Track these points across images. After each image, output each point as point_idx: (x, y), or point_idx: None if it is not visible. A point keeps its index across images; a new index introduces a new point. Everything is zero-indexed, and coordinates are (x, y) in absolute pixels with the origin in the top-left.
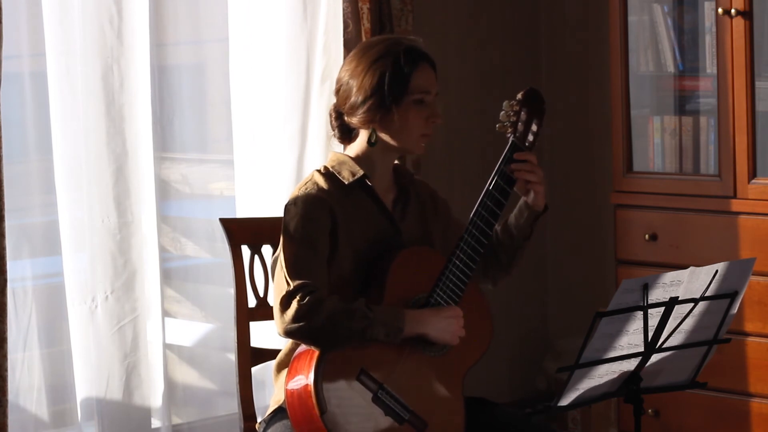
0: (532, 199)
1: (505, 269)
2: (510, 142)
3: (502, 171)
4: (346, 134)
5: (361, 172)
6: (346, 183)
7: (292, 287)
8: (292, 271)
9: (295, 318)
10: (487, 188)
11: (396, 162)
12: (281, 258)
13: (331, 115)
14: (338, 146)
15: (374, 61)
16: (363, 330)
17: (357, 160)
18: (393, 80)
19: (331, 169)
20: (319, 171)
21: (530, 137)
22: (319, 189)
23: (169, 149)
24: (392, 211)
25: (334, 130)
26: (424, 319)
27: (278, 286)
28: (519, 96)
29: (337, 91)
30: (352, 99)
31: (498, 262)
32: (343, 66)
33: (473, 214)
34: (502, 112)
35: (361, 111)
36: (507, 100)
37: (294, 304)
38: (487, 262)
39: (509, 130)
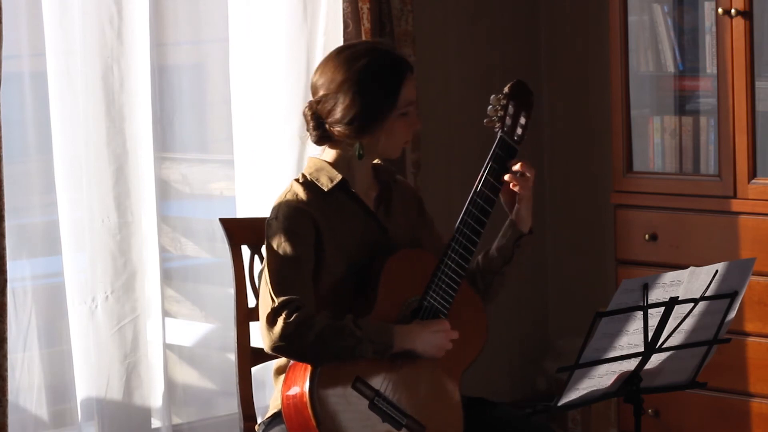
0: (517, 213)
1: (481, 297)
2: (498, 137)
3: (491, 167)
4: (325, 139)
5: (339, 177)
6: (326, 190)
7: (277, 304)
8: (277, 288)
9: (282, 336)
10: (477, 186)
11: (375, 162)
12: (266, 273)
13: (306, 118)
14: (313, 148)
15: (362, 78)
16: (351, 348)
17: (335, 164)
18: (383, 100)
19: (309, 177)
20: (297, 180)
21: (519, 131)
22: (299, 200)
23: (169, 149)
24: (376, 211)
25: (310, 134)
26: (411, 334)
27: (263, 302)
28: (506, 89)
29: (316, 96)
30: (338, 115)
31: (476, 289)
32: (322, 70)
33: (463, 213)
34: (490, 107)
35: (348, 127)
36: (494, 94)
37: (280, 322)
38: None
39: (497, 125)
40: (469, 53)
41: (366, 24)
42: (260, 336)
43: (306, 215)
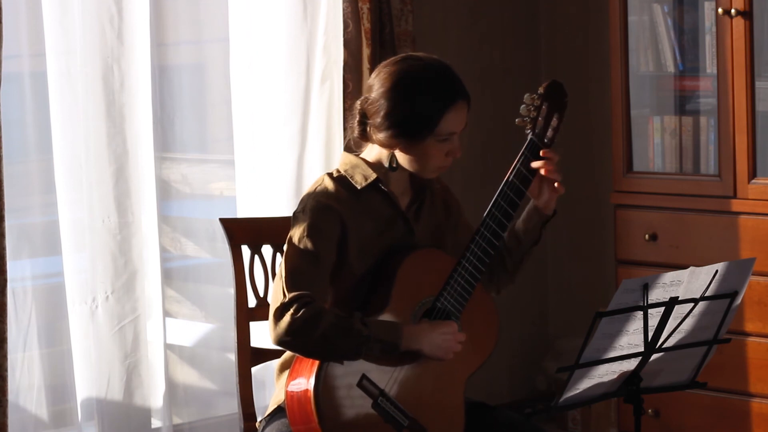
0: (544, 201)
1: (510, 275)
2: (528, 139)
3: (518, 170)
4: (365, 134)
5: (374, 176)
6: (358, 188)
7: (287, 299)
8: (290, 282)
9: (288, 331)
10: (502, 188)
11: None
12: (282, 266)
13: (356, 112)
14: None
15: (409, 93)
16: (357, 347)
17: (372, 164)
18: (421, 121)
19: (343, 172)
20: (330, 175)
21: (549, 133)
22: (329, 196)
23: (170, 149)
24: (406, 212)
25: (354, 127)
26: (420, 334)
27: (275, 295)
28: (540, 89)
29: (367, 100)
30: (379, 120)
31: (504, 268)
32: (380, 71)
33: (486, 215)
34: (523, 106)
35: (383, 134)
36: (528, 93)
37: (287, 317)
38: (494, 267)
39: (528, 126)
40: (469, 53)
41: (366, 24)
42: (267, 328)
43: (334, 212)
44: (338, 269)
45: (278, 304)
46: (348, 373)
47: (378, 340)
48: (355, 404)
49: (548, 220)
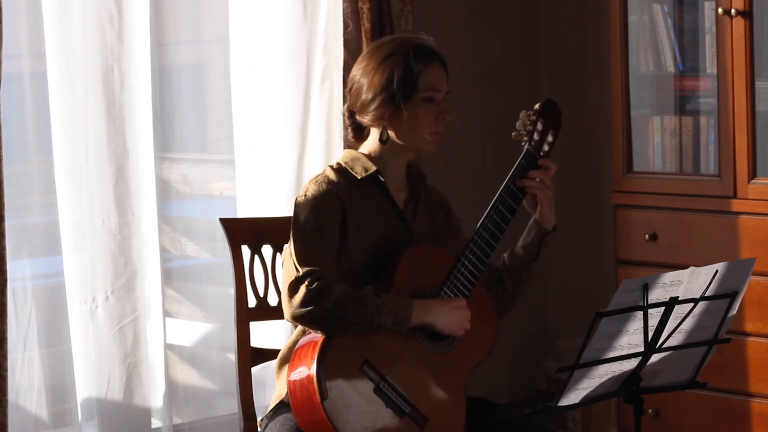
0: (540, 213)
1: (510, 297)
2: (525, 150)
3: (515, 177)
4: (359, 133)
5: (374, 168)
6: (359, 178)
7: (301, 273)
8: (302, 259)
9: (303, 303)
10: (499, 193)
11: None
12: (291, 247)
13: (344, 115)
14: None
15: (384, 59)
16: (371, 316)
17: (370, 157)
18: (402, 78)
19: (344, 164)
20: (331, 167)
21: (545, 147)
22: (330, 182)
23: (170, 149)
24: (403, 210)
25: (346, 129)
26: (431, 308)
27: (287, 273)
28: (536, 107)
29: (350, 90)
30: (363, 97)
31: (503, 289)
32: (355, 65)
33: (484, 217)
34: (519, 122)
35: (371, 109)
36: (524, 110)
37: (302, 289)
38: (494, 288)
39: (525, 138)
40: (468, 53)
41: (366, 24)
42: (283, 304)
43: (334, 196)
44: (339, 255)
45: (292, 278)
46: (350, 356)
47: (390, 311)
48: (357, 388)
49: (546, 234)
